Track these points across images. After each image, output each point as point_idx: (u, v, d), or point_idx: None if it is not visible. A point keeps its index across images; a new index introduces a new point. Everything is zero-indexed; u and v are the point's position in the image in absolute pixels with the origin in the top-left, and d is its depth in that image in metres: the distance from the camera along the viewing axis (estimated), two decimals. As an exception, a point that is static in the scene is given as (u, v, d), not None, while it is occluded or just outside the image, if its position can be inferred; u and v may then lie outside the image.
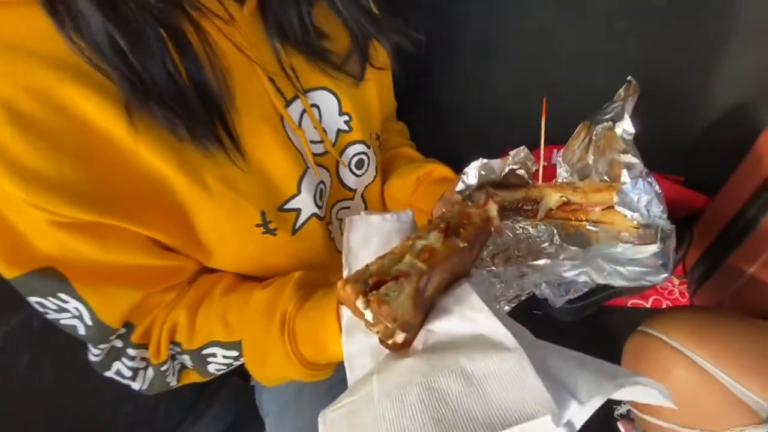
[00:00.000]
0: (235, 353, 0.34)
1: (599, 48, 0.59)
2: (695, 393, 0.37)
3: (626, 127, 0.29)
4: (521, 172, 0.33)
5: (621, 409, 0.48)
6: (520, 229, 0.34)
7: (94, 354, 0.33)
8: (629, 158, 0.28)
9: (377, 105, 0.44)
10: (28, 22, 0.24)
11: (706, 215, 0.68)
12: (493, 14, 0.56)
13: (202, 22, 0.28)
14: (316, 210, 0.38)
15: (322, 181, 0.39)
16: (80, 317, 0.30)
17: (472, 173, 0.31)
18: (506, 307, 0.34)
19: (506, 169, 0.32)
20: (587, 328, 0.67)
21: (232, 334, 0.34)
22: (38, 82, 0.24)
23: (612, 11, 0.55)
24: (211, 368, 0.36)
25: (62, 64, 0.24)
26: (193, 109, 0.28)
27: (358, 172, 0.44)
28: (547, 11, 0.56)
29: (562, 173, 0.35)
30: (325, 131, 0.39)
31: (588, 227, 0.31)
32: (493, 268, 0.32)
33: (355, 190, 0.44)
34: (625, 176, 0.27)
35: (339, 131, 0.41)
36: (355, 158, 0.43)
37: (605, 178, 0.31)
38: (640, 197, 0.27)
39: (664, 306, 0.68)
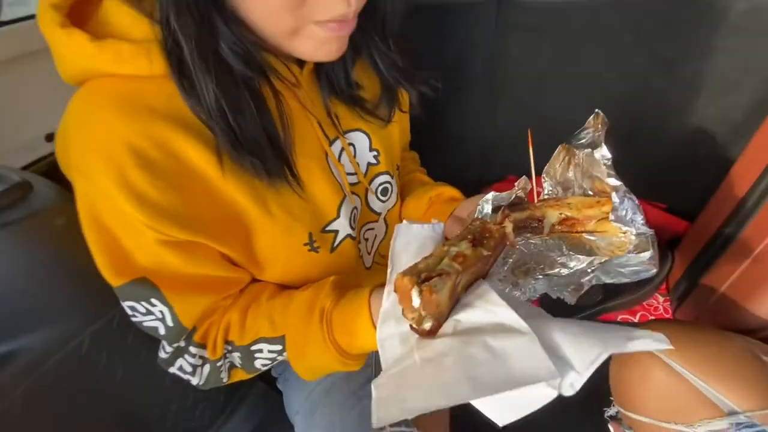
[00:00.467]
0: (279, 347, 0.39)
1: (589, 94, 0.68)
2: (670, 392, 0.44)
3: (604, 153, 0.35)
4: (521, 194, 0.39)
5: (611, 411, 0.55)
6: (533, 245, 0.40)
7: (166, 351, 0.39)
8: (613, 181, 0.34)
9: (398, 140, 0.52)
10: (157, 89, 0.31)
11: (686, 239, 0.75)
12: (494, 62, 0.65)
13: (276, 84, 0.36)
14: (350, 231, 0.46)
15: (355, 207, 0.47)
16: (163, 319, 0.36)
17: (487, 205, 0.37)
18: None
19: (513, 196, 0.38)
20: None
21: (277, 330, 0.39)
22: (159, 133, 0.32)
23: (601, 64, 0.64)
24: (258, 363, 0.41)
25: (177, 120, 0.32)
26: (268, 155, 0.35)
27: (384, 199, 0.51)
28: (544, 61, 0.64)
29: (547, 186, 0.41)
30: (358, 165, 0.46)
31: (586, 237, 0.37)
32: (517, 280, 0.38)
33: (380, 214, 0.52)
34: (614, 197, 0.33)
35: (369, 164, 0.48)
36: (381, 186, 0.50)
37: (589, 192, 0.37)
38: (627, 212, 0.33)
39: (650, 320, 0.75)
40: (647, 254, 0.34)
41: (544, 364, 0.22)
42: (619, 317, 0.77)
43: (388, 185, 0.51)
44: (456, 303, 0.28)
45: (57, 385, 0.41)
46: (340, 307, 0.37)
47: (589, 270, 0.36)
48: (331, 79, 0.42)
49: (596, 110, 0.37)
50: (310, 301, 0.39)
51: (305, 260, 0.43)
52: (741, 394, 0.41)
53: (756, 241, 0.56)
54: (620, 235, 0.35)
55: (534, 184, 0.40)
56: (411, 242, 0.32)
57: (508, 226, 0.32)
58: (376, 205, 0.50)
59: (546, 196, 0.41)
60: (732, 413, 0.41)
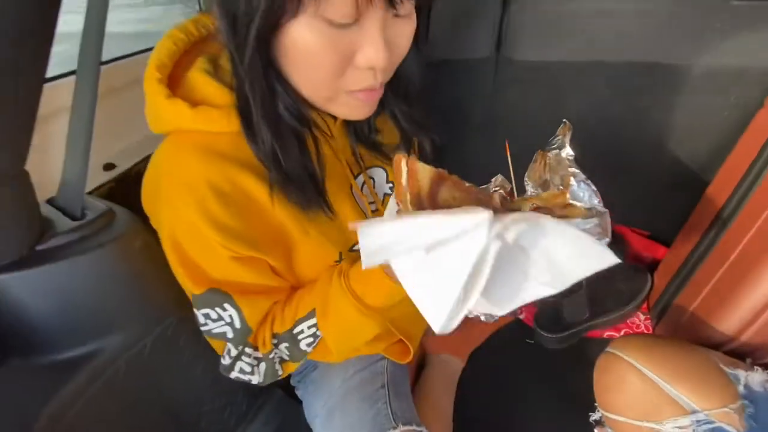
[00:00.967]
0: (313, 320, 0.46)
1: (575, 136, 0.77)
2: (644, 395, 0.51)
3: (568, 152, 0.42)
4: (499, 190, 0.45)
5: (595, 416, 0.62)
6: None
7: (230, 357, 0.47)
8: (574, 170, 0.41)
9: None
10: (228, 139, 0.40)
11: (663, 263, 0.84)
12: (493, 110, 0.75)
13: (315, 132, 0.45)
14: None
15: None
16: (231, 323, 0.44)
17: None
18: None
19: (493, 190, 0.45)
20: (571, 354, 0.81)
21: (308, 306, 0.46)
22: (229, 173, 0.40)
23: (585, 112, 0.74)
24: (302, 344, 0.48)
25: (242, 162, 0.41)
26: (307, 188, 0.43)
27: None
28: (536, 108, 0.74)
29: (529, 189, 0.47)
30: (377, 195, 0.55)
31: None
32: None
33: None
34: (572, 182, 0.40)
35: (385, 194, 0.57)
36: None
37: (560, 186, 0.44)
38: (584, 194, 0.40)
39: (633, 337, 0.83)
40: (594, 220, 0.39)
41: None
42: (606, 334, 0.85)
43: None
44: (437, 207, 0.35)
45: (122, 383, 0.48)
46: (356, 266, 0.45)
47: None
48: (358, 129, 0.51)
49: (563, 120, 0.45)
50: (331, 271, 0.47)
51: None
52: (702, 396, 0.49)
53: (719, 265, 0.65)
54: (581, 213, 0.41)
55: (514, 186, 0.46)
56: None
57: (496, 197, 0.39)
58: None
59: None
60: (694, 412, 0.48)
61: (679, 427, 0.48)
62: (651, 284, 0.84)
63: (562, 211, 0.40)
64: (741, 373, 0.51)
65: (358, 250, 0.52)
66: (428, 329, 0.76)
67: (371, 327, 0.46)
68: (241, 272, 0.43)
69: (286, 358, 0.49)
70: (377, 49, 0.34)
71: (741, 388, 0.49)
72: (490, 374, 0.80)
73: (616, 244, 0.93)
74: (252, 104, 0.38)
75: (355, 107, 0.42)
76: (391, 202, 0.41)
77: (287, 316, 0.48)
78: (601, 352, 0.59)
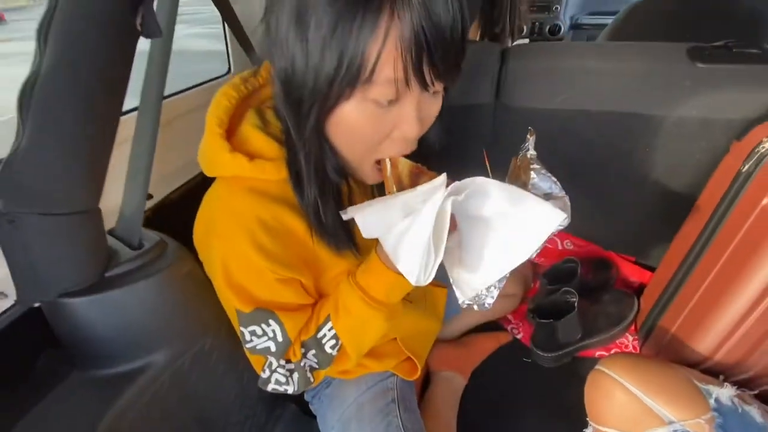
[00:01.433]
0: (331, 323, 0.53)
1: (564, 173, 0.85)
2: (628, 408, 0.58)
3: (531, 152, 0.48)
4: None
5: (587, 430, 0.68)
6: None
7: (271, 370, 0.53)
8: (535, 166, 0.47)
9: None
10: (275, 184, 0.48)
11: (648, 286, 0.91)
12: (491, 149, 0.83)
13: (351, 183, 0.53)
14: None
15: None
16: (274, 337, 0.51)
17: None
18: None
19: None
20: (565, 372, 0.88)
21: (326, 312, 0.53)
22: (275, 211, 0.48)
23: (573, 153, 0.83)
24: (327, 347, 0.54)
25: (287, 202, 0.48)
26: (340, 236, 0.50)
27: None
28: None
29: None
30: None
31: None
32: None
33: None
34: (533, 175, 0.46)
35: None
36: None
37: (529, 182, 0.49)
38: (545, 184, 0.46)
39: (622, 356, 0.89)
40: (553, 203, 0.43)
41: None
42: (597, 353, 0.91)
43: None
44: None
45: (165, 396, 0.53)
46: (361, 264, 0.52)
47: None
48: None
49: (529, 127, 0.51)
50: (344, 278, 0.54)
51: None
52: (678, 408, 0.55)
53: (695, 291, 0.72)
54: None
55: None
56: None
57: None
58: None
59: None
60: (671, 423, 0.55)
61: (659, 437, 0.55)
62: (637, 307, 0.91)
63: None
64: (712, 389, 0.58)
65: None
66: (433, 348, 0.82)
67: (378, 320, 0.52)
68: (283, 292, 0.50)
69: (315, 365, 0.55)
70: (412, 125, 0.42)
71: (712, 402, 0.56)
72: (490, 390, 0.86)
73: (608, 269, 1.01)
74: (303, 166, 0.46)
75: (368, 175, 0.49)
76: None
77: (311, 325, 0.55)
78: (592, 370, 0.65)
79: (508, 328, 0.98)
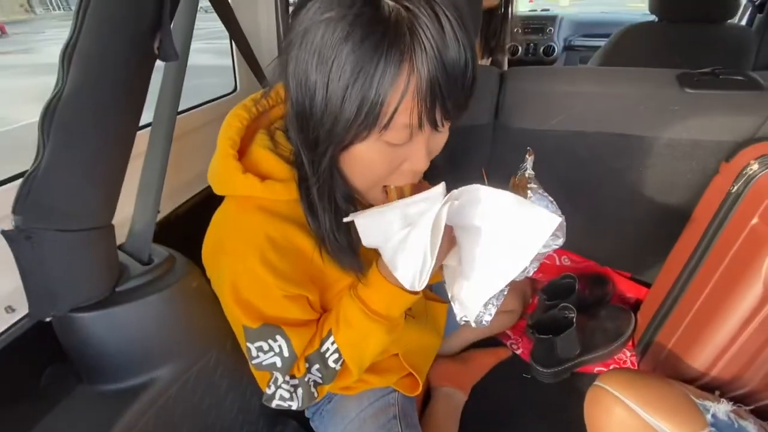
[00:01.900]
0: (333, 337, 0.54)
1: (559, 191, 0.88)
2: (626, 423, 0.58)
3: (529, 171, 0.51)
4: None
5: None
6: None
7: (277, 386, 0.53)
8: (532, 185, 0.49)
9: None
10: (286, 204, 0.49)
11: (645, 303, 0.93)
12: (489, 167, 0.86)
13: (359, 208, 0.54)
14: None
15: None
16: (280, 353, 0.51)
17: None
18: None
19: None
20: (564, 388, 0.88)
21: (329, 326, 0.54)
22: (285, 230, 0.49)
23: (568, 171, 0.85)
24: (330, 361, 0.55)
25: (296, 221, 0.50)
26: (347, 256, 0.51)
27: None
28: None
29: None
30: None
31: None
32: None
33: None
34: (530, 194, 0.48)
35: None
36: None
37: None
38: (541, 203, 0.47)
39: (620, 372, 0.90)
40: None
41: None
42: (596, 369, 0.92)
43: None
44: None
45: (171, 411, 0.54)
46: (363, 279, 0.53)
47: None
48: None
49: (528, 148, 0.53)
50: (346, 293, 0.55)
51: None
52: (675, 424, 0.56)
53: (690, 307, 0.74)
54: None
55: None
56: None
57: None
58: None
59: None
60: (669, 438, 0.56)
61: (658, 452, 0.56)
62: (634, 323, 0.93)
63: None
64: (709, 404, 0.59)
65: None
66: (433, 364, 0.83)
67: (378, 333, 0.52)
68: (291, 308, 0.51)
69: (320, 381, 0.56)
70: (421, 160, 0.44)
71: (709, 417, 0.57)
72: (490, 406, 0.86)
73: (604, 285, 1.03)
74: (316, 197, 0.47)
75: (377, 199, 0.51)
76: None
77: (315, 340, 0.55)
78: (591, 386, 0.66)
79: (508, 343, 0.99)
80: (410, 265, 0.43)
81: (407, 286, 0.44)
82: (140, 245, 0.53)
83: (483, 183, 0.51)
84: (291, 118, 0.45)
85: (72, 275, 0.45)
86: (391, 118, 0.39)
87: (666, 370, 0.78)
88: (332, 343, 0.55)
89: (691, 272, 0.76)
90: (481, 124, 0.82)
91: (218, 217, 0.52)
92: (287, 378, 0.54)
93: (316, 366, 0.55)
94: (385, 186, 0.49)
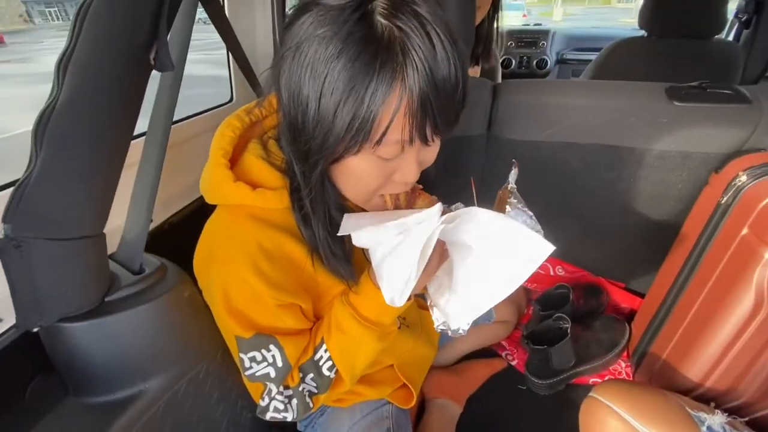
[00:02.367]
0: (326, 345, 0.54)
1: (552, 201, 0.88)
2: (621, 435, 0.58)
3: (512, 185, 0.50)
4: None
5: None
6: None
7: (270, 397, 0.53)
8: (511, 200, 0.49)
9: None
10: (278, 212, 0.49)
11: (639, 313, 0.93)
12: (483, 177, 0.86)
13: None
14: None
15: None
16: (274, 363, 0.51)
17: None
18: None
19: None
20: (559, 399, 0.88)
21: (321, 334, 0.54)
22: (277, 239, 0.49)
23: (560, 182, 0.86)
24: (324, 369, 0.54)
25: (288, 230, 0.49)
26: (341, 266, 0.51)
27: None
28: (520, 178, 0.86)
29: None
30: None
31: None
32: None
33: None
34: (509, 209, 0.48)
35: None
36: None
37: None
38: (520, 218, 0.48)
39: (615, 383, 0.89)
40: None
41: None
42: (591, 380, 0.92)
43: None
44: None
45: (159, 423, 0.53)
46: (355, 286, 0.53)
47: None
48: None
49: (513, 159, 0.53)
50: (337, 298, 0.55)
51: None
52: (670, 436, 0.56)
53: (683, 318, 0.74)
54: None
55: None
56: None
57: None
58: None
59: None
60: (664, 450, 0.55)
61: (653, 463, 0.55)
62: (629, 334, 0.93)
63: None
64: (704, 416, 0.59)
65: None
66: (427, 375, 0.82)
67: (370, 340, 0.52)
68: (284, 317, 0.51)
69: (314, 390, 0.55)
70: (412, 172, 0.45)
71: (704, 429, 0.56)
72: (485, 418, 0.85)
73: (598, 295, 1.03)
74: (309, 207, 0.47)
75: (377, 205, 0.51)
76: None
77: (308, 348, 0.55)
78: (586, 397, 0.66)
79: (503, 354, 0.98)
80: (394, 281, 0.43)
81: (387, 301, 0.44)
82: (132, 254, 0.53)
83: (472, 193, 0.52)
84: (283, 128, 0.46)
85: (61, 284, 0.44)
86: (384, 134, 0.39)
87: (661, 381, 0.78)
88: (325, 351, 0.54)
89: (683, 283, 0.77)
90: (475, 135, 0.83)
91: (210, 226, 0.51)
92: (281, 389, 0.53)
93: (311, 375, 0.55)
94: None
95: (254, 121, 0.56)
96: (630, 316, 0.98)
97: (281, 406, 0.53)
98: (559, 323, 0.90)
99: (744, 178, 0.67)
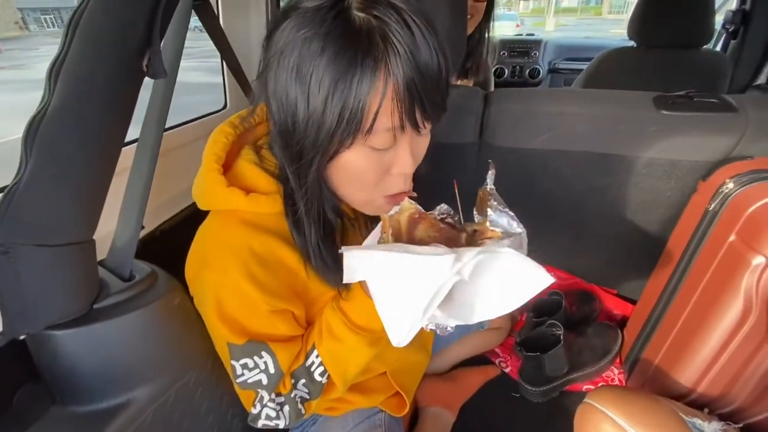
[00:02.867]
0: (317, 350, 0.53)
1: (543, 207, 0.89)
2: (614, 442, 0.58)
3: (491, 186, 0.48)
4: (450, 220, 0.49)
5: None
6: None
7: (262, 405, 0.52)
8: (492, 202, 0.47)
9: None
10: (271, 217, 0.49)
11: (631, 319, 0.93)
12: (476, 184, 0.87)
13: (345, 221, 0.55)
14: None
15: None
16: (266, 370, 0.50)
17: None
18: None
19: (438, 217, 0.49)
20: (553, 406, 0.87)
21: (312, 339, 0.54)
22: (270, 244, 0.49)
23: (552, 188, 0.87)
24: (316, 375, 0.54)
25: (281, 235, 0.49)
26: (331, 270, 0.51)
27: None
28: (512, 185, 0.86)
29: (477, 219, 0.53)
30: None
31: (488, 242, 0.46)
32: None
33: None
34: (490, 212, 0.46)
35: None
36: None
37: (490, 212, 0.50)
38: (502, 219, 0.46)
39: (608, 390, 0.89)
40: (506, 241, 0.44)
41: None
42: (584, 387, 0.92)
43: None
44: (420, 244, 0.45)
45: (150, 431, 0.52)
46: (346, 291, 0.52)
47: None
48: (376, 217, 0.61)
49: (489, 160, 0.52)
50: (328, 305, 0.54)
51: None
52: (663, 442, 0.56)
53: (674, 323, 0.75)
54: (498, 236, 0.46)
55: (460, 215, 0.51)
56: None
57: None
58: None
59: None
60: (657, 456, 0.55)
61: (645, 470, 0.55)
62: (621, 340, 0.93)
63: (491, 234, 0.47)
64: (698, 422, 0.59)
65: None
66: (421, 383, 0.82)
67: (361, 345, 0.52)
68: (276, 323, 0.51)
69: (306, 396, 0.55)
70: (407, 162, 0.45)
71: (696, 435, 0.56)
72: (479, 426, 0.85)
73: (591, 302, 1.03)
74: (302, 210, 0.47)
75: (383, 207, 0.50)
76: (376, 230, 0.50)
77: (300, 354, 0.55)
78: (580, 403, 0.66)
79: (496, 361, 0.98)
80: (400, 322, 0.42)
81: (393, 342, 0.42)
82: (122, 261, 0.52)
83: (455, 195, 0.51)
84: (274, 135, 0.46)
85: (49, 291, 0.44)
86: (374, 122, 0.40)
87: (654, 387, 0.78)
88: (317, 356, 0.54)
89: (673, 289, 0.77)
90: (467, 142, 0.84)
91: (202, 232, 0.51)
92: (273, 396, 0.53)
93: (302, 381, 0.54)
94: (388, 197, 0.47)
95: (247, 128, 0.56)
96: (622, 322, 0.99)
97: (273, 414, 0.53)
98: (551, 330, 0.90)
99: (731, 185, 0.68)
